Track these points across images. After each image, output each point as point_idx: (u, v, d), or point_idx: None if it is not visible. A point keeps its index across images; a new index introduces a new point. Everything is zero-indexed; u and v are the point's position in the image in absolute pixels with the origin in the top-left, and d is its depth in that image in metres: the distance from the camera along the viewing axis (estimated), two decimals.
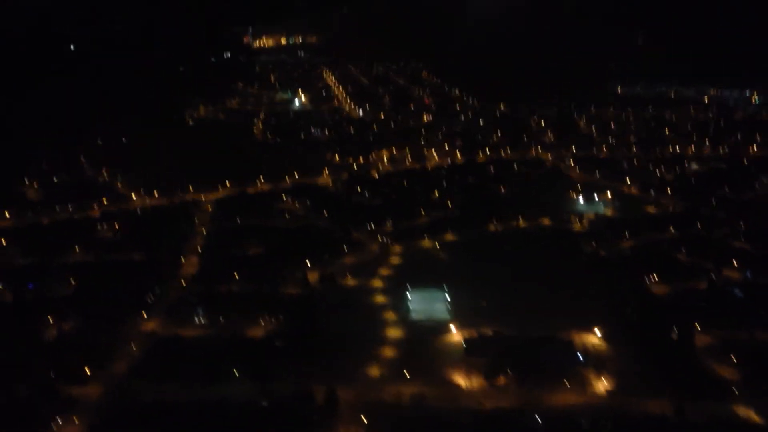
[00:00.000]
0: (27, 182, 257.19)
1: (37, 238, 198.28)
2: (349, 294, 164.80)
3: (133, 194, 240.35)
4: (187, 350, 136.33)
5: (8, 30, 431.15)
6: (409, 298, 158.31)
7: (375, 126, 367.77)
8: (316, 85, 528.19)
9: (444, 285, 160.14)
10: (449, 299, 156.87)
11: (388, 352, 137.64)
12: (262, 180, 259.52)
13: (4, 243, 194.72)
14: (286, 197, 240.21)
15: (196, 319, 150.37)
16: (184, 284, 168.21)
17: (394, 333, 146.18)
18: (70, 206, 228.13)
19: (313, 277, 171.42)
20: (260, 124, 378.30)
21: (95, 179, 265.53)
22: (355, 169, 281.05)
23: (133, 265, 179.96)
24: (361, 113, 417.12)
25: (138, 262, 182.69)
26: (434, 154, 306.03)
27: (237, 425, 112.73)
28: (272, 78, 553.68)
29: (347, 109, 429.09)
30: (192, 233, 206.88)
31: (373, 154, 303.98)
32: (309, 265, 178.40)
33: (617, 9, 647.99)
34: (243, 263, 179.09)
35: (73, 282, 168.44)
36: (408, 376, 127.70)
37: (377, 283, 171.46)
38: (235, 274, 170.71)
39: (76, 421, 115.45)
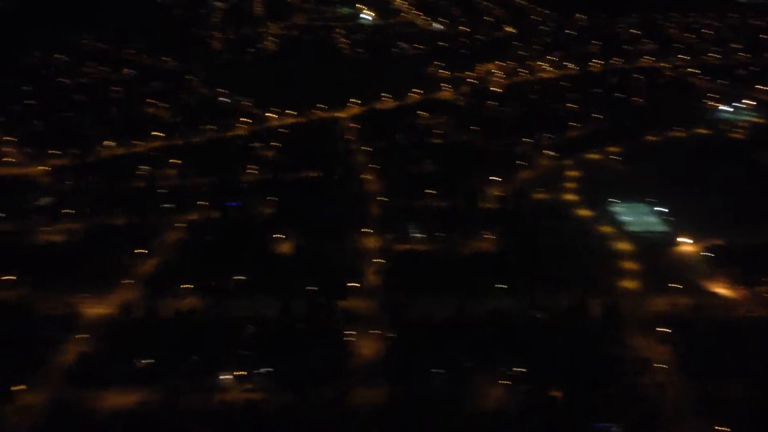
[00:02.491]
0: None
1: (205, 158, 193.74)
2: (551, 208, 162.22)
3: (269, 114, 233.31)
4: (414, 262, 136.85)
5: None
6: (619, 211, 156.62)
7: (461, 39, 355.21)
8: None
9: (647, 197, 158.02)
10: (660, 211, 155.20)
11: (630, 265, 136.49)
12: (386, 96, 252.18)
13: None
14: (420, 113, 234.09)
15: (411, 234, 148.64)
16: (385, 200, 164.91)
17: (622, 246, 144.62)
18: (215, 127, 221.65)
19: (500, 192, 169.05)
20: (344, 41, 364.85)
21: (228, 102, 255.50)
22: (472, 82, 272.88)
23: (318, 183, 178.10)
24: (435, 26, 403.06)
25: (319, 179, 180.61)
26: (541, 65, 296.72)
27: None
28: None
29: (419, 22, 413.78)
30: (349, 149, 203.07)
31: (479, 68, 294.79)
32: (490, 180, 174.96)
33: None
34: (422, 179, 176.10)
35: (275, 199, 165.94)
36: (667, 288, 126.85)
37: (570, 197, 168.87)
38: (425, 190, 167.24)
39: None
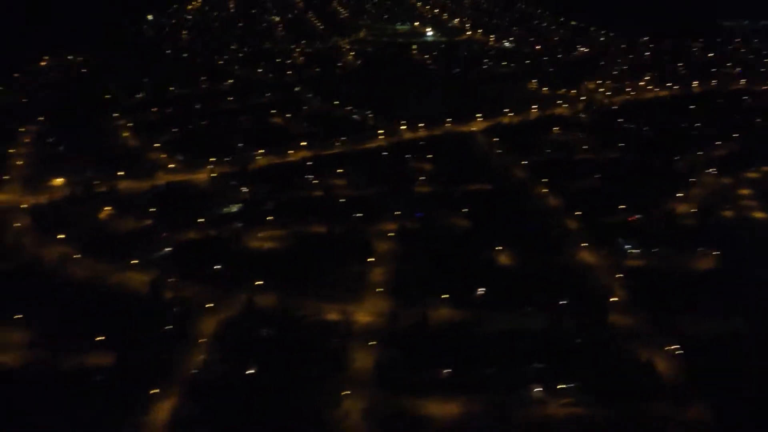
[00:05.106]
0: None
1: (363, 169, 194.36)
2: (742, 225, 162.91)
3: (399, 128, 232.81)
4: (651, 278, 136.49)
5: None
6: None
7: (540, 58, 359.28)
8: (420, 15, 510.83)
9: None
10: None
11: None
12: (509, 112, 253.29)
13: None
14: (553, 128, 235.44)
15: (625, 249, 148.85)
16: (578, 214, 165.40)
17: None
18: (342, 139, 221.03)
19: (689, 208, 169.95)
20: (427, 57, 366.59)
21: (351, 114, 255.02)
22: (586, 99, 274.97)
23: (491, 196, 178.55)
24: (505, 44, 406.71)
25: (492, 192, 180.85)
26: (643, 84, 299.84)
27: None
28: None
29: (490, 40, 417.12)
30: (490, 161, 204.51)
31: (581, 85, 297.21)
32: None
33: None
34: (599, 195, 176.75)
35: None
36: None
37: (759, 214, 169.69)
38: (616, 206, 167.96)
39: None
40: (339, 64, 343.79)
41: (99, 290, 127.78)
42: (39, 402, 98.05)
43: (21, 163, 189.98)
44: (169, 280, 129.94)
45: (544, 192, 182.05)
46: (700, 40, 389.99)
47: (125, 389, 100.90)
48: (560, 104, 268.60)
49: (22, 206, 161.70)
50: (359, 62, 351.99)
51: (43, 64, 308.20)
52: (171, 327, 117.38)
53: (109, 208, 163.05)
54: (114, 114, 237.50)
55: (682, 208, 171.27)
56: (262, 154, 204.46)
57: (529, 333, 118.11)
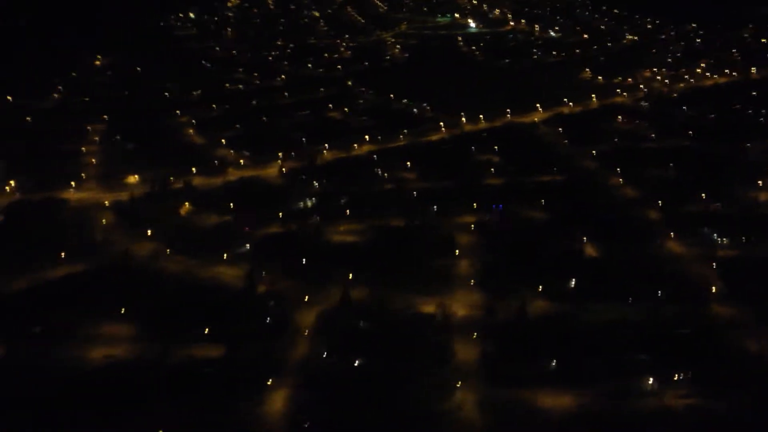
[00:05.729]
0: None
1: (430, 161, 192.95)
2: None
3: (460, 120, 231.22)
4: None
5: None
6: None
7: (589, 47, 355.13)
8: (459, 7, 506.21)
9: None
10: None
11: None
12: (568, 102, 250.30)
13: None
14: (616, 117, 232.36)
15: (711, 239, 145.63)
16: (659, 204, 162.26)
17: None
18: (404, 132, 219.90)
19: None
20: (474, 48, 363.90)
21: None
22: (648, 87, 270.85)
23: (561, 187, 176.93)
24: (552, 34, 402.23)
25: (562, 183, 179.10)
26: (696, 71, 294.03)
27: None
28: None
29: (535, 30, 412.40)
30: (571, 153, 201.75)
31: (636, 74, 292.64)
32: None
33: None
34: (676, 184, 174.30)
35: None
36: None
37: None
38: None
39: None
40: (387, 57, 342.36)
41: (194, 284, 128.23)
42: (152, 394, 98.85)
43: (94, 160, 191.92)
44: (262, 274, 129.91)
45: (619, 182, 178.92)
46: (750, 26, 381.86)
47: (236, 381, 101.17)
48: (619, 93, 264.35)
49: (104, 203, 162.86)
50: (406, 55, 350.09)
51: (97, 63, 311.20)
52: (270, 320, 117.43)
53: (187, 204, 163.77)
54: (176, 111, 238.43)
55: (764, 197, 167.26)
56: (327, 148, 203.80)
57: (630, 324, 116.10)
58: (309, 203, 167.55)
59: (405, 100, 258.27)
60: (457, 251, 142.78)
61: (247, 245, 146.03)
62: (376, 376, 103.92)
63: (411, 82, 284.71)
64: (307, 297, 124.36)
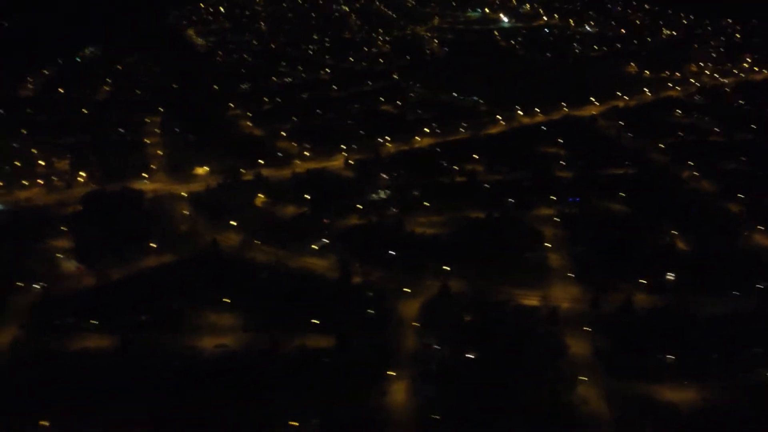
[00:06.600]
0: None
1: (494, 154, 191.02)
2: None
3: (516, 113, 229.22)
4: None
5: None
6: None
7: (628, 41, 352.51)
8: (487, 2, 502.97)
9: None
10: None
11: None
12: (623, 96, 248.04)
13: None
14: (674, 110, 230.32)
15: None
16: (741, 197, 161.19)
17: None
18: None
19: None
20: (513, 43, 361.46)
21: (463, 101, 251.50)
22: (698, 81, 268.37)
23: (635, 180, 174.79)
24: (587, 29, 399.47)
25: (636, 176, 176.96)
26: (744, 66, 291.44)
27: None
28: None
29: (571, 25, 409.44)
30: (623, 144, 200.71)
31: (683, 68, 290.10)
32: None
33: None
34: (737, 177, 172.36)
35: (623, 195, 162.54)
36: None
37: None
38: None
39: None
40: (427, 52, 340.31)
41: (288, 274, 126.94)
42: (273, 383, 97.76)
43: (160, 152, 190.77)
44: (354, 265, 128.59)
45: (694, 174, 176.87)
46: None
47: (354, 372, 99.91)
48: (670, 87, 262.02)
49: (182, 194, 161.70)
50: (446, 49, 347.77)
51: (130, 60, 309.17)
52: (373, 311, 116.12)
53: (261, 195, 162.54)
54: (228, 104, 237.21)
55: None
56: (388, 141, 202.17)
57: (740, 317, 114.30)
58: (383, 195, 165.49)
59: (454, 94, 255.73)
60: (547, 244, 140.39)
61: (328, 236, 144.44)
62: (494, 368, 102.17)
63: (456, 76, 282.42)
64: (407, 289, 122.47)
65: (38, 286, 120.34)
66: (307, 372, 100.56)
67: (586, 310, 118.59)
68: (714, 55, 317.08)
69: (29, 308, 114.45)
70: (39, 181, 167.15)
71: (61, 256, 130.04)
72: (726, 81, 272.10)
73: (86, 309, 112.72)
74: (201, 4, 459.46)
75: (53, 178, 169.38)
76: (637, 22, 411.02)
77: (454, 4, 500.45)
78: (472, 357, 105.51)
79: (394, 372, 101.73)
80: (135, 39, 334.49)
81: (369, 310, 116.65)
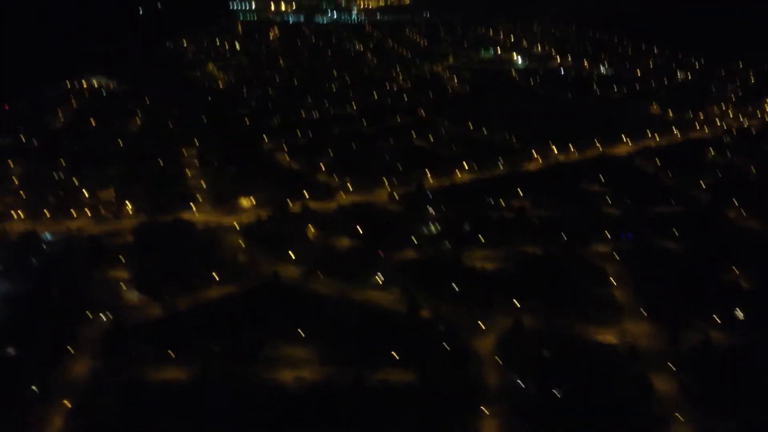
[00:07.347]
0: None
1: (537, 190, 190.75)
2: None
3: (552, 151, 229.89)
4: None
5: None
6: None
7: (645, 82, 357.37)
8: (497, 42, 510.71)
9: None
10: None
11: None
12: (653, 136, 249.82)
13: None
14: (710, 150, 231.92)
15: None
16: None
17: None
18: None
19: None
20: (531, 82, 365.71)
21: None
22: (723, 122, 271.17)
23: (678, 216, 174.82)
24: (603, 70, 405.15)
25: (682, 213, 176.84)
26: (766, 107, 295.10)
27: None
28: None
29: (585, 66, 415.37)
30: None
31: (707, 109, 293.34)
32: None
33: None
34: None
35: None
36: None
37: None
38: None
39: None
40: (448, 89, 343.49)
41: (353, 307, 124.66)
42: (356, 418, 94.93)
43: (203, 183, 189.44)
44: (418, 299, 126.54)
45: (741, 213, 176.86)
46: None
47: (440, 408, 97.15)
48: (697, 127, 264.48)
49: (234, 225, 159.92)
50: (466, 87, 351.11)
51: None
52: (447, 346, 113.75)
53: (311, 227, 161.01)
54: (262, 136, 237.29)
55: None
56: (428, 175, 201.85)
57: None
58: (434, 229, 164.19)
59: (484, 130, 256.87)
60: (612, 280, 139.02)
61: (383, 269, 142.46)
62: (583, 406, 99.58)
63: (482, 113, 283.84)
64: (481, 324, 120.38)
65: (104, 317, 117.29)
66: (393, 407, 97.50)
67: (663, 346, 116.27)
68: (733, 97, 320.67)
69: (99, 339, 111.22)
70: (86, 211, 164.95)
71: (125, 287, 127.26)
72: (751, 122, 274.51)
73: (159, 339, 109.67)
74: (216, 39, 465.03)
75: (100, 207, 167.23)
76: (650, 64, 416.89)
77: (465, 44, 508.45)
78: (558, 395, 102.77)
79: (478, 408, 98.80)
80: (155, 72, 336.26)
81: (445, 345, 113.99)
